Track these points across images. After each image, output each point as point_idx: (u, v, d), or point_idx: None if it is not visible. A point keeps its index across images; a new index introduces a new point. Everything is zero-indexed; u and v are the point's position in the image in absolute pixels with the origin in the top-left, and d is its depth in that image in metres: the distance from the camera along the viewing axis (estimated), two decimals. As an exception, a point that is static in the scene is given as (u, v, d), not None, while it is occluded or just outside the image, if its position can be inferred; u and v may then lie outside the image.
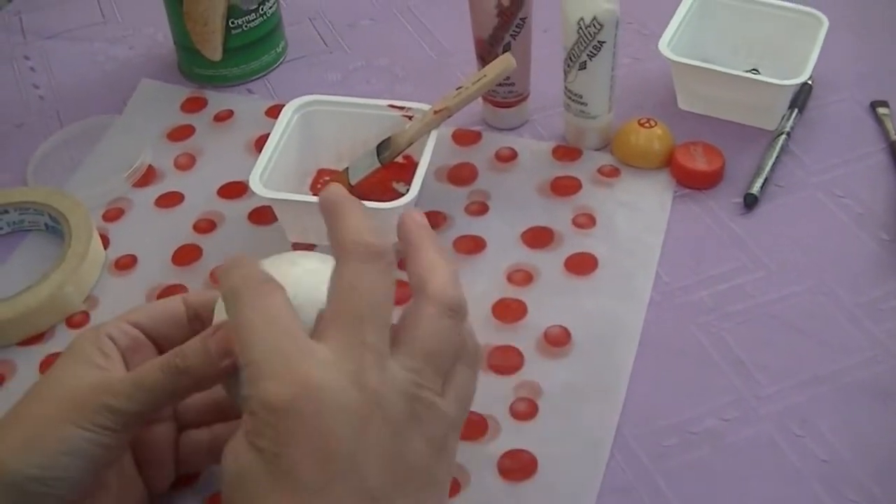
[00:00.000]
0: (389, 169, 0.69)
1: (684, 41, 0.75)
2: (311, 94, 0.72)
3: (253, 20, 0.80)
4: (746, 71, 0.76)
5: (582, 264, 0.66)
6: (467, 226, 0.69)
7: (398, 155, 0.68)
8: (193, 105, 0.81)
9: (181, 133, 0.78)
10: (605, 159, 0.73)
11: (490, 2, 0.70)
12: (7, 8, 0.94)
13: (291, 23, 0.88)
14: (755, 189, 0.69)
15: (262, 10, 0.80)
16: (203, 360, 0.46)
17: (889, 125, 0.74)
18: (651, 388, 0.59)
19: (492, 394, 0.58)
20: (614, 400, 0.58)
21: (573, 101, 0.72)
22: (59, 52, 0.88)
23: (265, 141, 0.68)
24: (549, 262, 0.66)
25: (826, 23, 0.74)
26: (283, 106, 0.71)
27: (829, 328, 0.61)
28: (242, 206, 0.71)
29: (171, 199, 0.73)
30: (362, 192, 0.67)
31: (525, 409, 0.58)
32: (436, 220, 0.69)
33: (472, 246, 0.68)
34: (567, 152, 0.74)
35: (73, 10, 0.93)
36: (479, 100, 0.74)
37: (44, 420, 0.46)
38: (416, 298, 0.44)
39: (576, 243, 0.67)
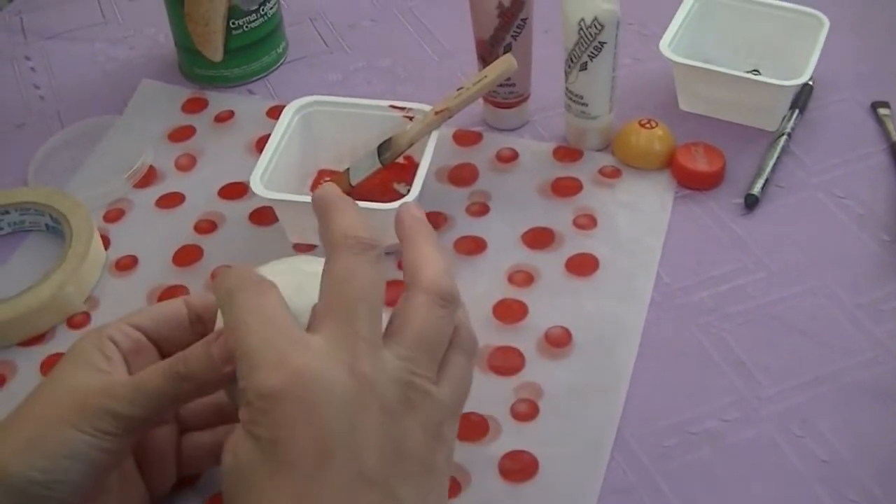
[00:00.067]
0: (390, 170, 0.69)
1: (685, 42, 0.75)
2: (312, 94, 0.72)
3: (254, 21, 0.80)
4: (747, 71, 0.76)
5: (583, 265, 0.66)
6: (468, 226, 0.69)
7: (399, 156, 0.68)
8: (194, 106, 0.81)
9: (182, 134, 0.78)
10: (606, 160, 0.73)
11: (491, 2, 0.70)
12: (8, 8, 0.94)
13: (292, 23, 0.88)
14: (756, 190, 0.69)
15: (263, 10, 0.80)
16: (206, 366, 0.46)
17: (890, 126, 0.74)
18: (652, 389, 0.59)
19: (492, 395, 0.58)
20: (615, 401, 0.58)
21: (574, 101, 0.72)
22: (60, 53, 0.88)
23: (266, 141, 0.68)
24: (549, 263, 0.66)
25: (827, 23, 0.74)
26: (284, 106, 0.71)
27: (830, 329, 0.61)
28: (243, 207, 0.71)
29: (171, 200, 0.73)
30: (363, 192, 0.67)
31: (526, 410, 0.58)
32: (436, 220, 0.69)
33: (472, 247, 0.68)
34: (568, 153, 0.74)
35: (74, 10, 0.93)
36: (480, 100, 0.74)
37: (46, 423, 0.46)
38: (408, 289, 0.45)
39: (576, 244, 0.67)
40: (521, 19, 0.71)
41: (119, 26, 0.91)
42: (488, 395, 0.58)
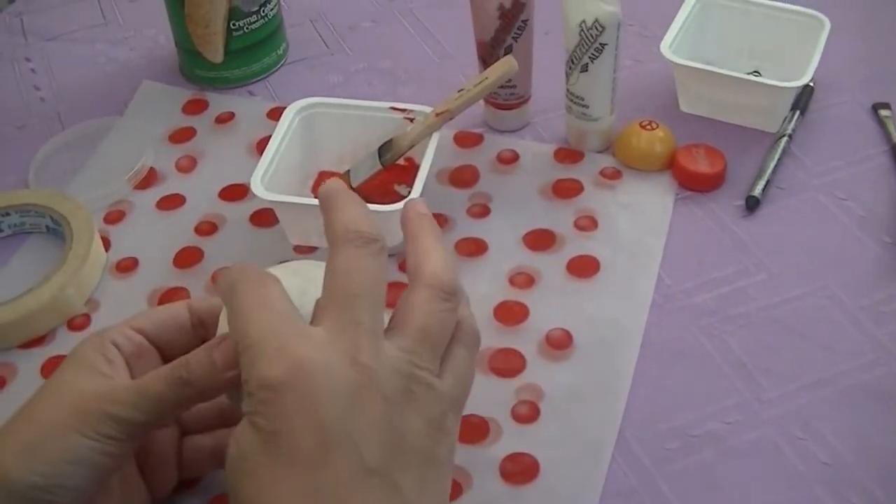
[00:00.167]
0: (391, 171, 0.69)
1: (686, 43, 0.75)
2: (313, 96, 0.72)
3: (254, 22, 0.80)
4: (748, 73, 0.76)
5: (584, 267, 0.66)
6: (469, 228, 0.69)
7: (400, 157, 0.68)
8: (195, 107, 0.81)
9: (182, 135, 0.78)
10: (607, 161, 0.73)
11: (492, 4, 0.70)
12: (8, 9, 0.94)
13: (293, 25, 0.88)
14: (757, 191, 0.69)
15: (264, 12, 0.80)
16: (208, 371, 0.46)
17: (891, 127, 0.74)
18: (653, 391, 0.59)
19: (493, 396, 0.58)
20: (616, 403, 0.58)
21: (575, 103, 0.72)
22: (61, 54, 0.88)
23: (266, 143, 0.68)
24: (550, 265, 0.66)
25: (828, 25, 0.74)
26: (285, 108, 0.71)
27: (832, 331, 0.61)
28: (244, 209, 0.71)
29: (172, 202, 0.73)
30: (364, 194, 0.67)
31: (527, 412, 0.58)
32: (437, 222, 0.68)
33: (473, 248, 0.68)
34: (569, 154, 0.74)
35: (75, 11, 0.93)
36: (481, 102, 0.74)
37: (47, 427, 0.46)
38: (411, 283, 0.45)
39: (577, 246, 0.67)
40: (522, 21, 0.71)
41: (119, 27, 0.91)
42: (489, 396, 0.58)
